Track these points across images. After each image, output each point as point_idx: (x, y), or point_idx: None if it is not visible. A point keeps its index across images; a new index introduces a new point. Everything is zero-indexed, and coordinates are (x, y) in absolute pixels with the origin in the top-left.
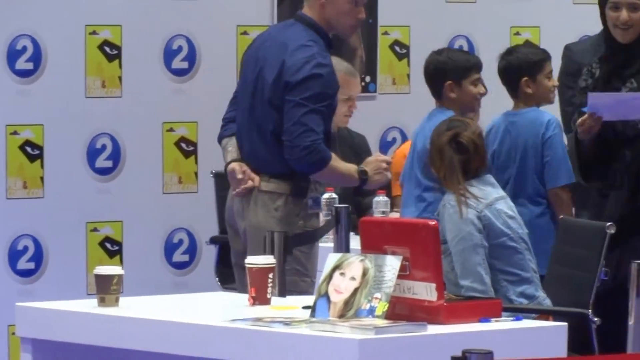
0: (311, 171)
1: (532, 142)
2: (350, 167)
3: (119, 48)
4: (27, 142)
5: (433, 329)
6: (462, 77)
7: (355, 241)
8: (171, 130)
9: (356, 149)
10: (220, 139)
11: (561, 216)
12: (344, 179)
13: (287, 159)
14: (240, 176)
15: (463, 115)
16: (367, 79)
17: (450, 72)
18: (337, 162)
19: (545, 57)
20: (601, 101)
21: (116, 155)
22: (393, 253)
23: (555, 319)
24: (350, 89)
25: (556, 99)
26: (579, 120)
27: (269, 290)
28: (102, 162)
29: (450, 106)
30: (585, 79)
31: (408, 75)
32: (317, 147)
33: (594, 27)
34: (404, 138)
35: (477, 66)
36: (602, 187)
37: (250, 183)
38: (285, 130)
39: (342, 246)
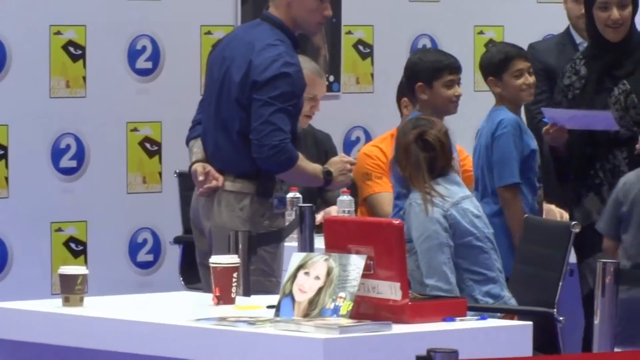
0: (279, 170)
1: (486, 141)
2: (316, 167)
3: (83, 48)
4: None
5: (398, 328)
6: (433, 78)
7: (319, 240)
8: (135, 130)
9: (320, 147)
10: (187, 140)
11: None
12: (310, 179)
13: (255, 158)
14: (201, 178)
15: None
16: (331, 78)
17: (420, 73)
18: (304, 162)
19: (512, 55)
20: (557, 115)
21: (80, 155)
22: (357, 252)
23: (520, 319)
24: (316, 88)
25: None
26: (544, 129)
27: (234, 289)
28: (66, 162)
29: (424, 108)
30: (569, 76)
31: (372, 75)
32: (285, 146)
33: (558, 26)
34: (368, 137)
35: (450, 67)
36: (578, 186)
37: (214, 183)
38: (253, 129)
39: (307, 245)
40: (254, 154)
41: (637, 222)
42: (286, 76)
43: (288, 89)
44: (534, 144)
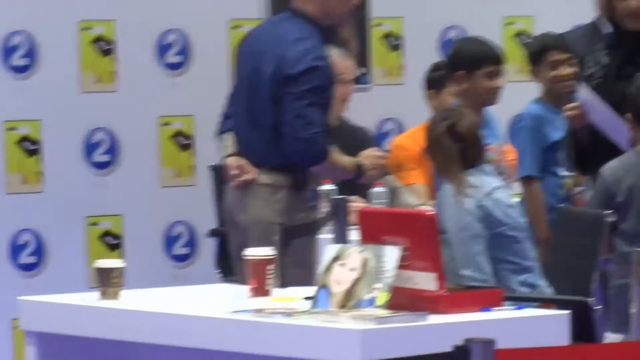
0: (311, 164)
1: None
2: (347, 161)
3: (112, 43)
4: (25, 138)
5: (434, 319)
6: (473, 68)
7: (354, 232)
8: (167, 124)
9: (357, 139)
10: (218, 134)
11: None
12: (341, 173)
13: (287, 152)
14: (235, 171)
15: (479, 109)
16: (361, 71)
17: (461, 61)
18: (336, 155)
19: (547, 47)
20: (589, 99)
21: (113, 150)
22: (392, 244)
23: (558, 308)
24: (343, 69)
25: None
26: (567, 106)
27: (269, 282)
28: (99, 156)
29: (463, 97)
30: (590, 67)
31: (402, 67)
32: (317, 140)
33: (588, 15)
34: (400, 129)
35: (491, 58)
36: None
37: (248, 176)
38: (285, 122)
39: (341, 237)
40: (285, 148)
41: (637, 208)
42: (317, 70)
43: (319, 82)
44: (557, 135)
